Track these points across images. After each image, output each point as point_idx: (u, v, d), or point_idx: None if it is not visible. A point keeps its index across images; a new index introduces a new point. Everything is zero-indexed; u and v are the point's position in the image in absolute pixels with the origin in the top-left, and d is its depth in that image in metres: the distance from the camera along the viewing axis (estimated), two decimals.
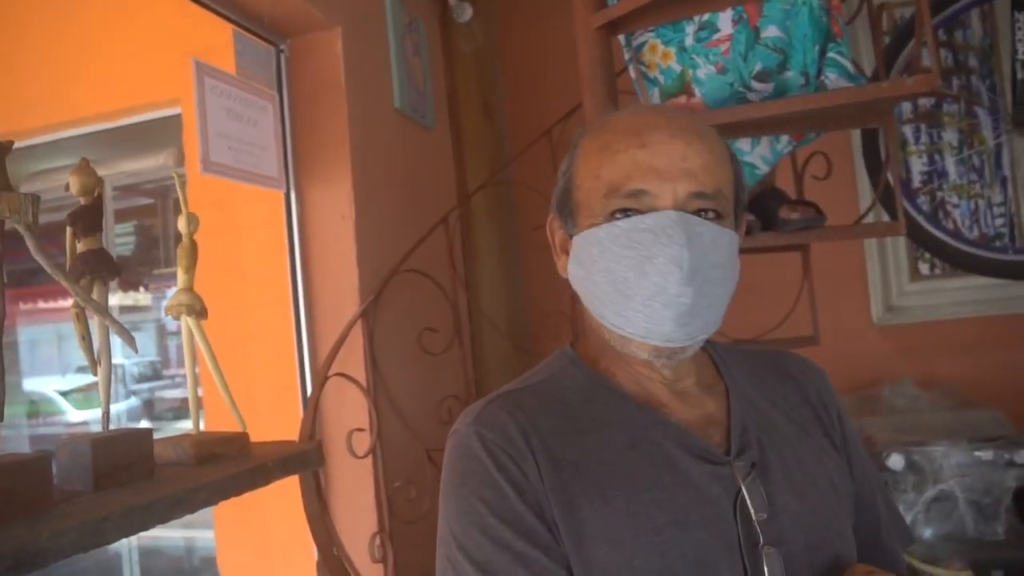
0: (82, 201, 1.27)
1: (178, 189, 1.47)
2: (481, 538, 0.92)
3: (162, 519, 1.22)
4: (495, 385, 2.69)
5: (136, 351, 1.28)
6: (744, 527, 0.92)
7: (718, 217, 0.95)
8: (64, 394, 4.53)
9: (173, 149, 3.05)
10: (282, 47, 2.23)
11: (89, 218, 1.26)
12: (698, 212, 0.94)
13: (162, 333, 4.14)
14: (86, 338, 1.26)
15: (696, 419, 1.02)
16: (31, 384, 4.09)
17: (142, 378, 4.36)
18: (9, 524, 1.03)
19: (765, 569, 0.90)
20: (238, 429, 1.52)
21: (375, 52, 2.44)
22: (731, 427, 1.01)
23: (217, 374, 1.48)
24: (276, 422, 2.12)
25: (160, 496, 1.20)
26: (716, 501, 0.93)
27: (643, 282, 0.93)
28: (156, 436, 1.35)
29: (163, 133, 2.97)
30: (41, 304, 3.93)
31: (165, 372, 4.31)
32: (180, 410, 4.24)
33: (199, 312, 1.45)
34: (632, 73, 2.04)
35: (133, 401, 4.10)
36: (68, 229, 1.26)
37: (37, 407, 4.26)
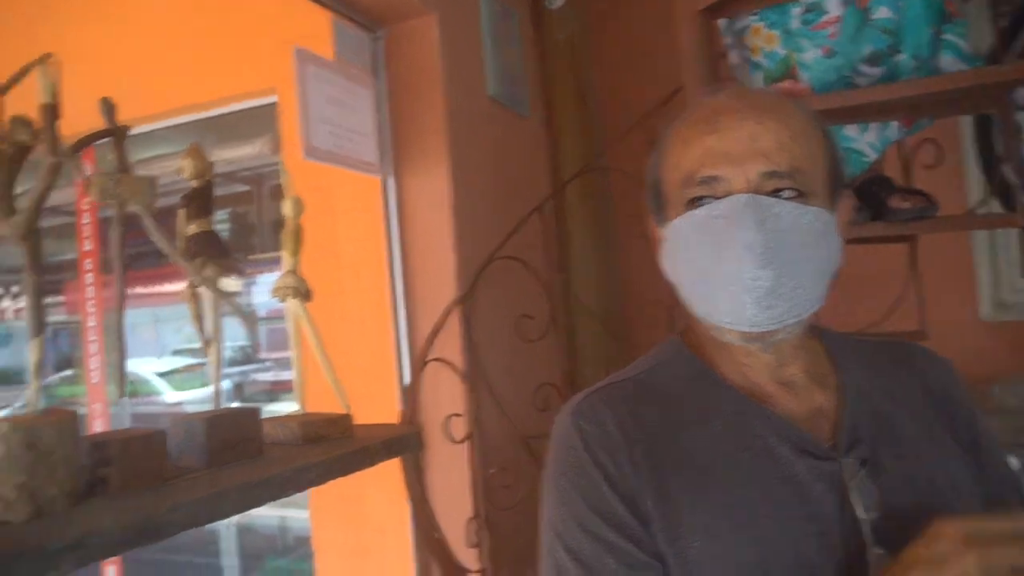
0: (194, 184, 1.30)
1: (283, 174, 1.49)
2: (576, 528, 0.94)
3: (273, 497, 1.24)
4: (589, 374, 2.69)
5: (255, 330, 1.30)
6: (849, 527, 0.89)
7: (800, 195, 0.92)
8: (160, 375, 4.68)
9: (268, 137, 3.10)
10: (378, 34, 2.24)
11: (201, 201, 1.29)
12: (775, 192, 0.92)
13: (252, 318, 4.23)
14: (199, 318, 1.29)
15: (803, 412, 0.99)
16: (130, 366, 4.20)
17: (233, 362, 4.47)
18: (129, 496, 1.06)
19: (871, 573, 0.87)
20: (339, 411, 1.53)
21: (469, 39, 2.44)
22: (841, 421, 0.97)
23: (322, 356, 1.50)
24: (371, 405, 2.14)
25: (271, 474, 1.22)
26: (819, 498, 0.91)
27: (721, 269, 0.91)
28: None
29: (258, 121, 3.02)
30: (139, 289, 4.05)
31: (256, 356, 4.41)
32: (270, 393, 4.33)
33: (304, 294, 1.47)
34: (734, 58, 1.99)
35: (225, 384, 4.18)
36: (180, 211, 1.29)
37: (135, 387, 4.40)
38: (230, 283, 1.28)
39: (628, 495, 0.93)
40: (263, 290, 3.65)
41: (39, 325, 0.98)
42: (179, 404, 4.61)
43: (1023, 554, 0.74)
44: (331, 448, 1.40)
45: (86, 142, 1.05)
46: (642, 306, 2.90)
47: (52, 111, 0.98)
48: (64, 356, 4.49)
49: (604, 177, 2.92)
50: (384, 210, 2.15)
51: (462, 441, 2.05)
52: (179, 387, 4.68)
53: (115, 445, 1.05)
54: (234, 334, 4.18)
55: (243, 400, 4.23)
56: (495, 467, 2.11)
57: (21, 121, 0.98)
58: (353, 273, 2.23)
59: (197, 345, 3.99)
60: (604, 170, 2.86)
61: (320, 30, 2.25)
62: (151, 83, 2.88)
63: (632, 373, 1.09)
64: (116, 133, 1.11)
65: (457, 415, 2.05)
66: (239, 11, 2.72)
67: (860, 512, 0.89)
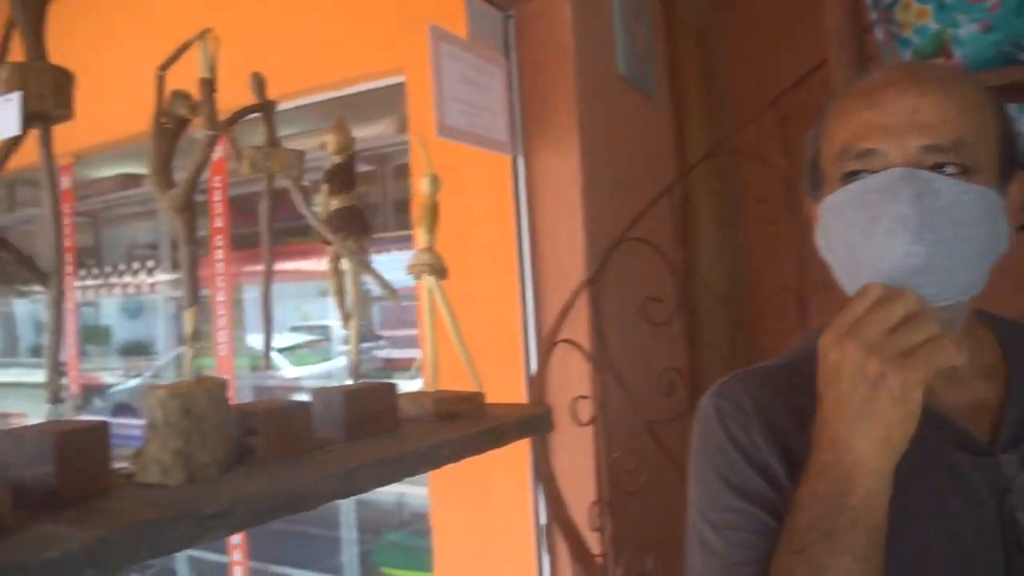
0: (337, 159, 1.31)
1: (421, 152, 1.49)
2: (713, 502, 0.97)
3: (410, 472, 1.24)
4: (711, 359, 2.63)
5: (398, 303, 1.31)
6: (1009, 525, 0.85)
7: (964, 172, 0.87)
8: (279, 351, 4.80)
9: (394, 117, 3.13)
10: (510, 12, 2.22)
11: (344, 176, 1.30)
12: (937, 167, 0.86)
13: (368, 296, 4.28)
14: (340, 292, 1.30)
15: (962, 404, 0.94)
16: (250, 340, 4.33)
17: (345, 339, 4.55)
18: (274, 465, 1.08)
19: None
20: (469, 389, 1.53)
21: (600, 17, 2.40)
22: (1004, 416, 0.92)
23: (456, 333, 1.50)
24: (495, 385, 2.14)
25: (408, 450, 1.23)
26: (977, 494, 0.87)
27: (871, 243, 0.87)
28: None
29: (384, 101, 3.05)
30: (260, 267, 4.16)
31: (372, 334, 4.47)
32: (385, 371, 4.39)
33: (440, 272, 1.47)
34: (879, 34, 1.90)
35: (342, 361, 4.26)
36: (324, 186, 1.30)
37: (256, 361, 4.52)
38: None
39: (763, 467, 0.94)
40: (386, 268, 3.70)
41: (194, 296, 1.00)
42: (297, 379, 4.72)
43: (887, 316, 0.79)
44: (464, 426, 1.40)
45: (238, 116, 1.07)
46: (767, 293, 2.82)
47: (210, 86, 0.99)
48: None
49: (731, 160, 2.84)
50: (513, 189, 2.14)
51: (588, 424, 2.03)
52: (296, 362, 4.79)
53: (262, 415, 1.07)
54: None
55: (359, 377, 4.30)
56: (619, 451, 2.08)
57: (181, 96, 1.00)
58: (480, 252, 2.23)
59: (314, 322, 4.06)
60: (731, 153, 2.79)
61: (449, 9, 2.25)
62: (280, 63, 2.94)
63: (780, 360, 1.08)
64: (265, 107, 1.12)
65: (583, 397, 2.03)
66: None
67: (1020, 514, 0.85)
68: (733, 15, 3.08)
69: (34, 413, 5.05)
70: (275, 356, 4.79)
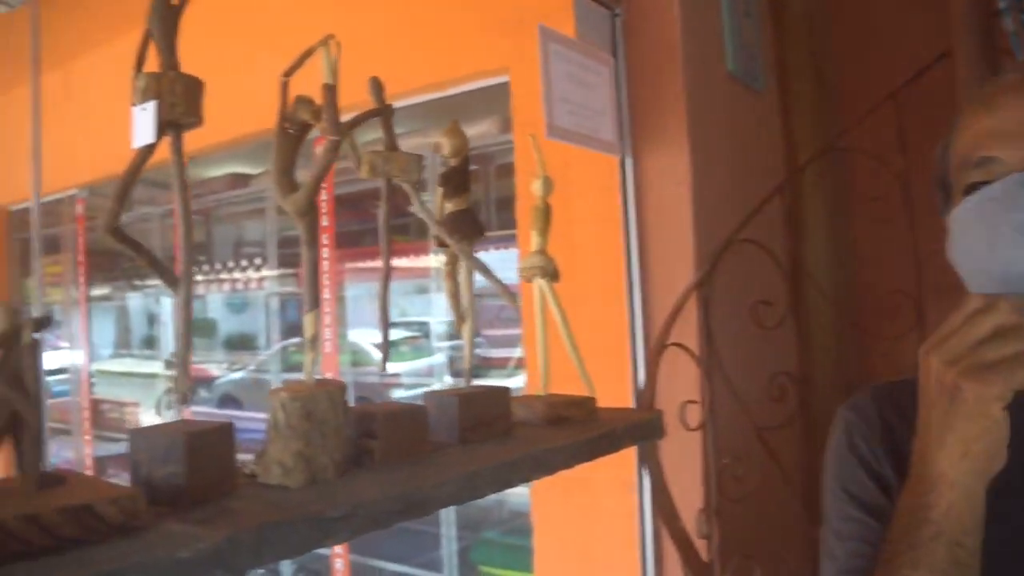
0: (452, 162, 1.30)
1: (534, 153, 1.48)
2: (836, 508, 1.00)
3: (523, 479, 1.23)
4: (823, 363, 2.56)
5: (517, 307, 1.30)
6: None
7: None
8: (377, 347, 4.86)
9: (497, 116, 3.13)
10: (617, 11, 2.19)
11: (458, 179, 1.29)
12: None
13: (515, 297, 4.30)
14: (454, 295, 1.29)
15: None
16: (351, 336, 4.40)
17: (448, 336, 4.59)
18: (392, 469, 1.08)
19: None
20: (578, 393, 1.51)
21: (708, 13, 2.35)
22: None
23: (568, 337, 1.47)
24: (600, 387, 2.12)
25: (524, 454, 1.22)
26: None
27: (993, 255, 0.84)
28: None
29: (487, 101, 3.06)
30: (360, 264, 4.23)
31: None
32: (482, 368, 4.40)
33: (552, 275, 1.45)
34: (1009, 24, 1.82)
35: (440, 358, 4.30)
36: (439, 189, 1.29)
37: (357, 358, 4.59)
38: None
39: (881, 479, 0.96)
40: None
41: (315, 299, 1.01)
42: (395, 375, 4.78)
43: (975, 328, 0.76)
44: (577, 431, 1.38)
45: (358, 121, 1.07)
46: (881, 295, 2.72)
47: (333, 91, 0.99)
48: (293, 325, 4.76)
49: (842, 157, 2.75)
50: (621, 190, 2.12)
51: (696, 429, 1.99)
52: (395, 359, 4.85)
53: (381, 419, 1.07)
54: (439, 309, 4.28)
55: (453, 374, 4.33)
56: (728, 457, 2.04)
57: (305, 101, 1.01)
58: (585, 253, 2.21)
59: (413, 318, 4.09)
60: (842, 150, 2.70)
61: (553, 8, 2.23)
62: (384, 64, 2.97)
63: (913, 375, 1.04)
64: (384, 112, 1.12)
65: (692, 402, 1.99)
66: None
67: None
68: (845, 4, 2.98)
69: (146, 402, 5.26)
70: (373, 352, 4.87)
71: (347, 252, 4.05)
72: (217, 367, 5.25)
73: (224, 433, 0.96)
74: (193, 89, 0.92)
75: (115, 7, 3.91)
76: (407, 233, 3.96)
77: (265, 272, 4.37)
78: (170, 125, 0.92)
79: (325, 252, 3.50)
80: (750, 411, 2.13)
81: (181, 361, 0.93)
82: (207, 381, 5.23)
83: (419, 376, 4.41)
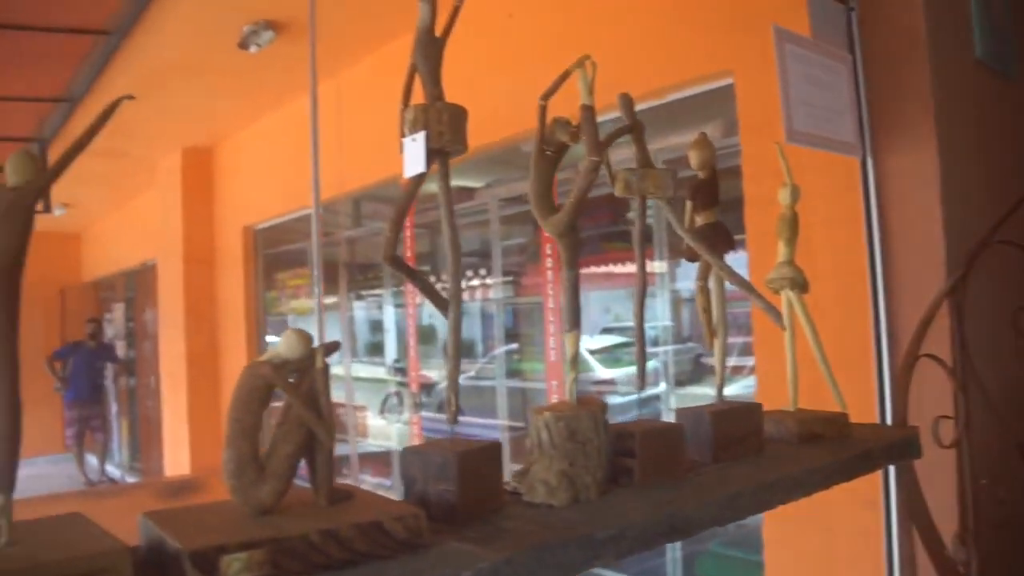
0: (700, 175, 1.28)
1: (780, 159, 1.43)
2: None
3: (781, 500, 1.19)
4: None
5: (783, 327, 1.26)
6: None
7: None
8: (591, 352, 4.87)
9: (720, 120, 3.06)
10: (852, 5, 2.09)
11: (707, 192, 1.27)
12: None
13: (676, 300, 4.23)
14: (707, 310, 1.27)
15: None
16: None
17: (657, 341, 4.54)
18: (652, 488, 1.07)
19: None
20: (821, 406, 1.45)
21: None
22: None
23: (818, 350, 1.42)
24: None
25: (782, 475, 1.18)
26: None
27: None
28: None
29: (708, 105, 2.99)
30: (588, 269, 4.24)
31: (681, 336, 4.42)
32: (696, 372, 4.32)
33: (801, 286, 1.40)
34: None
35: (653, 363, 4.25)
36: (688, 203, 1.28)
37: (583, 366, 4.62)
38: (657, 265, 1.24)
39: None
40: (686, 273, 3.65)
41: (576, 319, 1.02)
42: (610, 381, 4.77)
43: None
44: (832, 450, 1.32)
45: (611, 139, 1.07)
46: None
47: (591, 112, 1.00)
48: (510, 331, 4.84)
49: None
50: (863, 192, 2.01)
51: (950, 446, 1.85)
52: (608, 365, 4.84)
53: (640, 437, 1.06)
54: (654, 314, 4.23)
55: (667, 379, 4.27)
56: (985, 477, 1.89)
57: (563, 123, 1.02)
58: (823, 258, 2.11)
59: (626, 323, 4.06)
60: None
61: (779, 6, 2.16)
62: (606, 73, 2.97)
63: None
64: (635, 128, 1.11)
65: (945, 417, 1.86)
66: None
67: None
68: None
69: (372, 405, 5.53)
70: (588, 358, 4.89)
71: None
72: (437, 373, 5.44)
73: (492, 452, 0.98)
74: (458, 118, 0.96)
75: (335, 40, 4.14)
76: (626, 240, 3.95)
77: (489, 280, 4.48)
78: (437, 153, 0.95)
79: (549, 261, 3.54)
80: (1010, 427, 1.97)
81: (452, 384, 0.96)
82: (429, 387, 5.42)
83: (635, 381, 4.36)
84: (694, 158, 1.26)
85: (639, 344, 1.13)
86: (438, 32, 0.97)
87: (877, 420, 2.02)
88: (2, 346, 0.73)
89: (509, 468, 1.12)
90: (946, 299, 1.89)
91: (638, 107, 3.03)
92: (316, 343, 0.87)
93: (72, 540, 0.73)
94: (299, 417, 0.85)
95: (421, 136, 0.93)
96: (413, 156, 0.93)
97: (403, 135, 0.96)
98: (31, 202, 0.75)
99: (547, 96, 1.01)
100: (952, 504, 1.92)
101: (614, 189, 1.09)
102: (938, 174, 1.94)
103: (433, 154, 0.95)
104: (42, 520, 0.81)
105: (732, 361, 3.41)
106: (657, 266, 3.71)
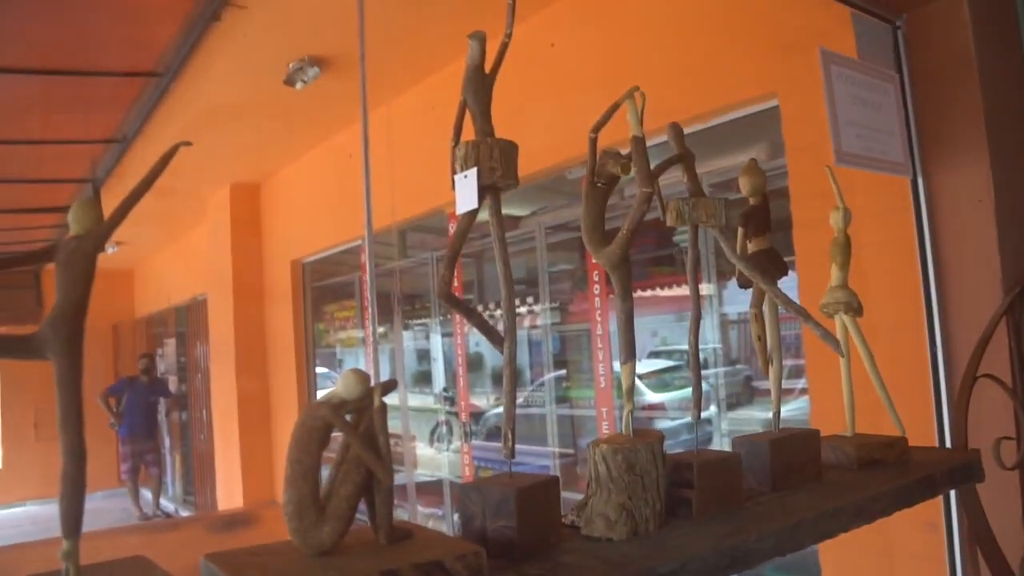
0: (752, 201, 1.28)
1: (832, 183, 1.42)
2: None
3: (843, 528, 1.17)
4: None
5: (843, 355, 1.25)
6: None
7: None
8: (639, 377, 4.85)
9: (764, 144, 3.04)
10: (898, 23, 2.07)
11: (760, 218, 1.26)
12: None
13: (724, 323, 4.20)
14: (761, 338, 1.26)
15: None
16: (615, 367, 4.40)
17: (707, 363, 4.50)
18: (710, 519, 1.06)
19: None
20: (878, 430, 1.43)
21: (1003, 12, 2.17)
22: None
23: (874, 373, 1.40)
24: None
25: (843, 503, 1.16)
26: None
27: None
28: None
29: (752, 128, 2.98)
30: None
31: (727, 360, 4.38)
32: (744, 395, 4.27)
33: (856, 309, 1.39)
34: None
35: (705, 387, 4.19)
36: (740, 230, 1.27)
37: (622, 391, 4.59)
38: (705, 287, 1.23)
39: None
40: (733, 296, 3.62)
41: (631, 350, 1.02)
42: (659, 405, 4.73)
43: None
44: (892, 476, 1.30)
45: (661, 169, 1.07)
46: None
47: (642, 143, 1.00)
48: (557, 358, 4.83)
49: None
50: (915, 212, 1.98)
51: (1013, 468, 1.81)
52: (657, 389, 4.80)
53: (698, 468, 1.06)
54: (704, 337, 4.20)
55: (717, 402, 4.24)
56: None
57: (613, 155, 1.02)
58: (875, 280, 2.08)
59: (673, 347, 4.03)
60: None
61: (822, 28, 2.15)
62: (650, 99, 2.96)
63: None
64: (685, 158, 1.11)
65: (1007, 438, 1.82)
66: (735, 19, 2.70)
67: None
68: None
69: (421, 435, 5.54)
70: (637, 383, 4.86)
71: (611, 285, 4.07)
72: (486, 401, 5.43)
73: (551, 487, 0.98)
74: (509, 153, 0.96)
75: (380, 74, 4.19)
76: (672, 264, 3.93)
77: (536, 308, 4.48)
78: (488, 188, 0.96)
79: (597, 288, 3.54)
80: None
81: (508, 418, 0.96)
82: (478, 415, 5.42)
83: (684, 406, 4.34)
84: (745, 185, 1.26)
85: (695, 373, 1.12)
86: (487, 69, 0.98)
87: (936, 443, 1.98)
88: (68, 394, 0.75)
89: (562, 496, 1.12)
90: (1003, 317, 1.85)
91: (687, 130, 3.03)
92: (372, 382, 0.88)
93: None
94: (358, 457, 0.86)
95: (473, 173, 0.94)
96: (465, 193, 0.94)
97: (454, 172, 0.96)
98: (92, 250, 0.77)
99: (598, 128, 1.01)
100: (1017, 526, 1.87)
101: (665, 219, 1.09)
102: (991, 190, 1.91)
103: (485, 190, 0.95)
104: (108, 564, 0.82)
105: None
106: (705, 288, 3.69)
